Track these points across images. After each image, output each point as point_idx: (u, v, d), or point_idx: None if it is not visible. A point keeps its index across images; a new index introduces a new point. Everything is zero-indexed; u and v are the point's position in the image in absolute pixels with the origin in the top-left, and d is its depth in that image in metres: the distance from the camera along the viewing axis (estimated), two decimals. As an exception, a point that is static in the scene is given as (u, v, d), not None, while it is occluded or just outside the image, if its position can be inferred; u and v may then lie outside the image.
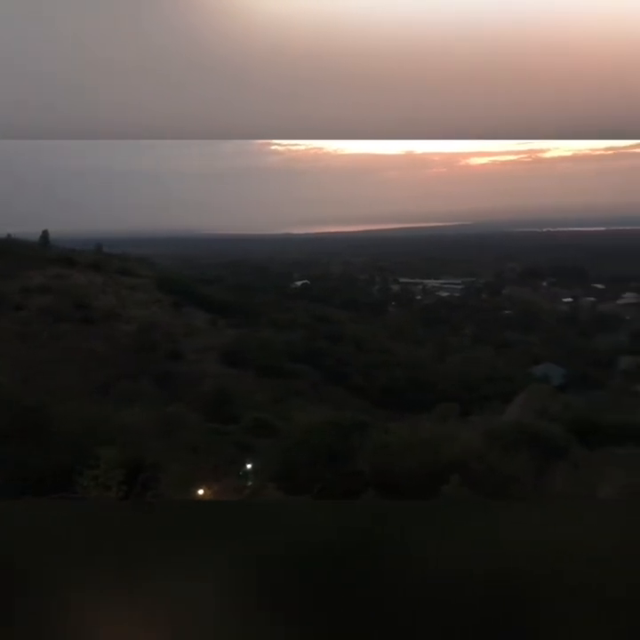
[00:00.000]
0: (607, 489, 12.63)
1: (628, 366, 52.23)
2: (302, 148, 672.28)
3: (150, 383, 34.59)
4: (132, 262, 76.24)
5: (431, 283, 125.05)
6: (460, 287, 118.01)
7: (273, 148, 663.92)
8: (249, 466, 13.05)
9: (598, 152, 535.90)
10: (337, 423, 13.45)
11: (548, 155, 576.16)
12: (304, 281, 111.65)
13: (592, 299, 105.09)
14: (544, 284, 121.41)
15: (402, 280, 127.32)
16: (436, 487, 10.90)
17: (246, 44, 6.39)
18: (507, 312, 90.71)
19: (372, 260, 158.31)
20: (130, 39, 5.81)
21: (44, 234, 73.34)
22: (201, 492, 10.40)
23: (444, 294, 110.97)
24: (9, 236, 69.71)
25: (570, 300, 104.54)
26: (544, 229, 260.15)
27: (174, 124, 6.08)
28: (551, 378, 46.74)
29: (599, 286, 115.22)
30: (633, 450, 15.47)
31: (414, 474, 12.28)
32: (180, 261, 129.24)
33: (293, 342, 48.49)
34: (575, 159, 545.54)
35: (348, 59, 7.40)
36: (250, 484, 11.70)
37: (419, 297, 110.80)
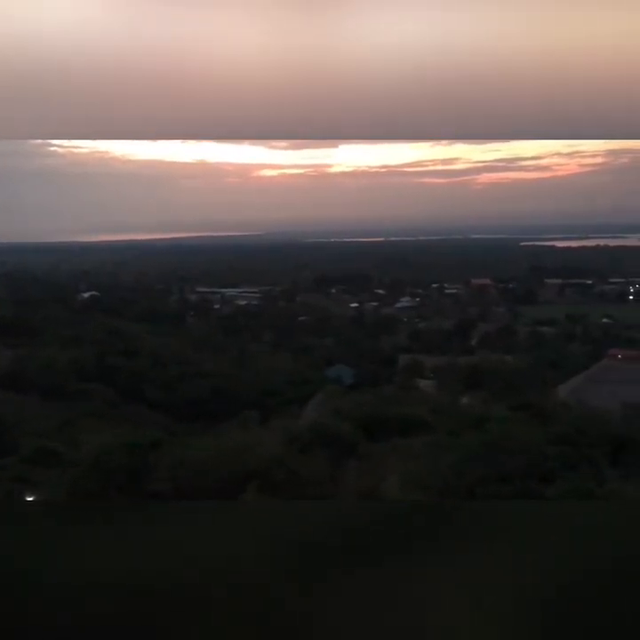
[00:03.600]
0: (392, 478, 13.82)
1: (406, 363, 58.08)
2: (86, 150, 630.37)
3: None
4: None
5: (230, 292, 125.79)
6: (257, 296, 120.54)
7: (52, 148, 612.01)
8: (30, 499, 11.72)
9: (374, 169, 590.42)
10: (131, 443, 12.73)
11: (332, 170, 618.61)
12: (92, 292, 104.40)
13: (375, 303, 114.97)
14: (334, 290, 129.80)
15: (200, 289, 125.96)
16: (238, 497, 10.89)
17: (35, 45, 5.91)
18: (302, 318, 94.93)
19: (168, 269, 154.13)
20: None
21: None
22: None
23: (243, 303, 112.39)
24: None
25: (356, 304, 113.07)
26: (332, 240, 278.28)
27: None
28: (343, 378, 49.98)
29: (381, 292, 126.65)
30: (413, 439, 17.15)
31: (216, 486, 12.14)
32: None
33: (83, 359, 45.00)
34: (355, 175, 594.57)
35: (126, 62, 7.05)
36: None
37: (217, 306, 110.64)
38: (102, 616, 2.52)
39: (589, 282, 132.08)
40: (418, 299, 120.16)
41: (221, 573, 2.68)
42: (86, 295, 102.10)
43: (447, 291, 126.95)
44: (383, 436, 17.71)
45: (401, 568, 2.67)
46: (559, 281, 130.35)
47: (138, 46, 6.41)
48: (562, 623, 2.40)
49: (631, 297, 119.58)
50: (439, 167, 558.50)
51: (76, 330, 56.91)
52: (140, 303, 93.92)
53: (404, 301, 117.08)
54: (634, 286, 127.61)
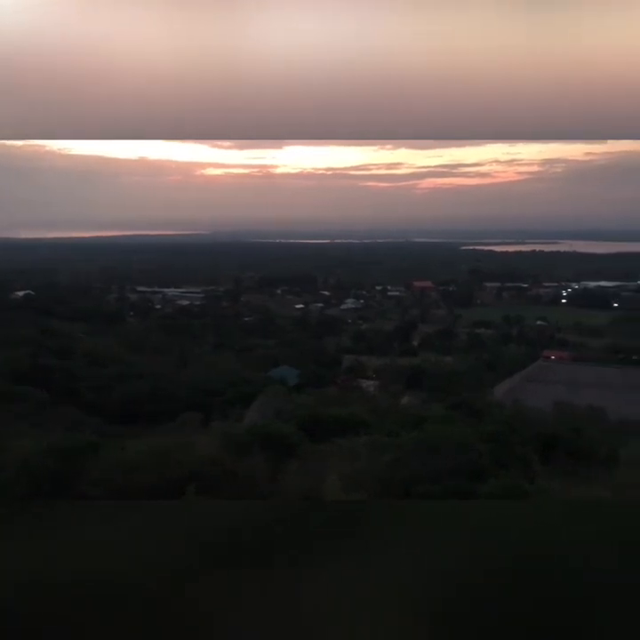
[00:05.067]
0: (332, 478, 13.88)
1: (350, 364, 58.68)
2: (19, 143, 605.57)
3: None
4: None
5: (171, 291, 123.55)
6: (200, 296, 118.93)
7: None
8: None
9: (320, 171, 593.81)
10: (62, 447, 12.27)
11: (277, 171, 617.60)
12: (27, 291, 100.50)
13: (320, 304, 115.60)
14: (279, 291, 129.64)
15: (140, 289, 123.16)
16: (175, 499, 10.67)
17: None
18: (246, 319, 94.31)
19: (107, 267, 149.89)
20: None
21: None
22: None
23: (185, 303, 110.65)
24: None
25: (301, 306, 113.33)
26: (277, 240, 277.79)
27: None
28: (287, 378, 49.91)
29: (325, 293, 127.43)
30: (352, 439, 17.28)
31: (151, 489, 11.86)
32: None
33: (14, 360, 43.11)
34: (301, 176, 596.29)
35: (58, 60, 6.81)
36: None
37: (158, 306, 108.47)
38: (18, 615, 2.43)
39: (525, 285, 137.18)
40: (362, 300, 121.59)
41: (123, 574, 2.62)
42: (21, 294, 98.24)
43: (390, 293, 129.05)
44: (324, 436, 17.79)
45: (306, 566, 2.67)
46: (497, 284, 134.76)
47: (68, 45, 6.24)
48: (469, 619, 2.45)
49: (564, 300, 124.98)
50: (383, 171, 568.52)
51: (8, 330, 54.52)
52: (77, 302, 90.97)
53: (349, 303, 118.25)
54: (566, 290, 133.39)
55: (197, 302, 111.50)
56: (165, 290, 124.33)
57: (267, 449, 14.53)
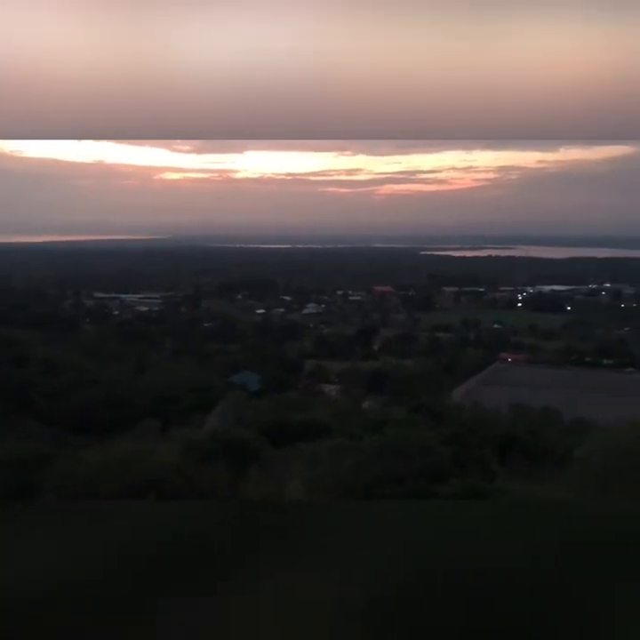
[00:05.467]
0: (295, 483, 13.86)
1: (312, 369, 58.74)
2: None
3: None
4: None
5: (129, 297, 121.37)
6: (159, 301, 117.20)
7: None
8: None
9: (280, 176, 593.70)
10: (12, 459, 11.88)
11: (238, 176, 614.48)
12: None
13: (281, 309, 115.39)
14: (239, 296, 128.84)
15: (97, 295, 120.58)
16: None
17: None
18: (206, 324, 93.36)
19: (64, 273, 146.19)
20: None
21: None
22: None
23: (144, 309, 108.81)
24: None
25: (263, 311, 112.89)
26: (237, 245, 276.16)
27: None
28: (248, 384, 49.61)
29: (287, 298, 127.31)
30: (315, 443, 17.30)
31: (111, 499, 11.60)
32: None
33: (-36, 369, 41.57)
34: (261, 181, 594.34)
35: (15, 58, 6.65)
36: None
37: (116, 312, 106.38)
38: None
39: (482, 289, 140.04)
40: (323, 305, 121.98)
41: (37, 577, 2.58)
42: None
43: (351, 298, 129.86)
44: (287, 441, 17.76)
45: (245, 569, 2.69)
46: (455, 289, 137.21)
47: (9, 41, 6.14)
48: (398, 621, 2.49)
49: (520, 304, 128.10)
50: (343, 177, 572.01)
51: (-43, 337, 52.51)
52: (32, 308, 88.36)
53: (310, 308, 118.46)
54: (522, 294, 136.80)
55: (156, 308, 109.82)
56: (123, 296, 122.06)
57: (228, 455, 14.41)
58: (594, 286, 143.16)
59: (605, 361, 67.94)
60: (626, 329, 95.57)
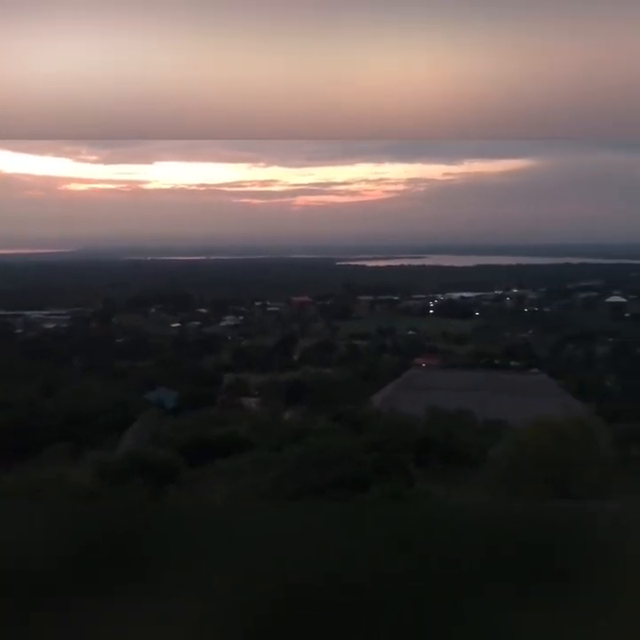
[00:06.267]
0: (215, 500, 13.52)
1: (231, 382, 57.90)
2: None
3: None
4: None
5: (35, 314, 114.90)
6: (67, 317, 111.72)
7: None
8: None
9: (193, 187, 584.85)
10: None
11: (148, 186, 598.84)
12: None
13: (197, 322, 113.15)
14: (153, 310, 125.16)
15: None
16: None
17: None
18: (119, 340, 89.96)
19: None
20: None
21: None
22: None
23: (50, 326, 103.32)
24: None
25: (178, 324, 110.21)
26: (149, 258, 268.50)
27: None
28: (165, 401, 48.14)
29: (203, 311, 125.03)
30: (235, 459, 17.01)
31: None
32: None
33: None
34: (173, 192, 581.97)
35: None
36: None
37: (20, 330, 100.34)
38: None
39: (396, 298, 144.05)
40: (241, 317, 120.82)
41: None
42: None
43: (269, 308, 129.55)
44: (206, 458, 17.36)
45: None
46: (370, 297, 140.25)
47: None
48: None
49: (431, 311, 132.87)
50: (257, 188, 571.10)
51: None
52: None
53: (228, 320, 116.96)
54: (433, 301, 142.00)
55: (64, 325, 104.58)
56: (27, 312, 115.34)
57: (145, 476, 13.87)
58: (499, 292, 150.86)
59: (512, 363, 71.72)
60: (530, 332, 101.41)
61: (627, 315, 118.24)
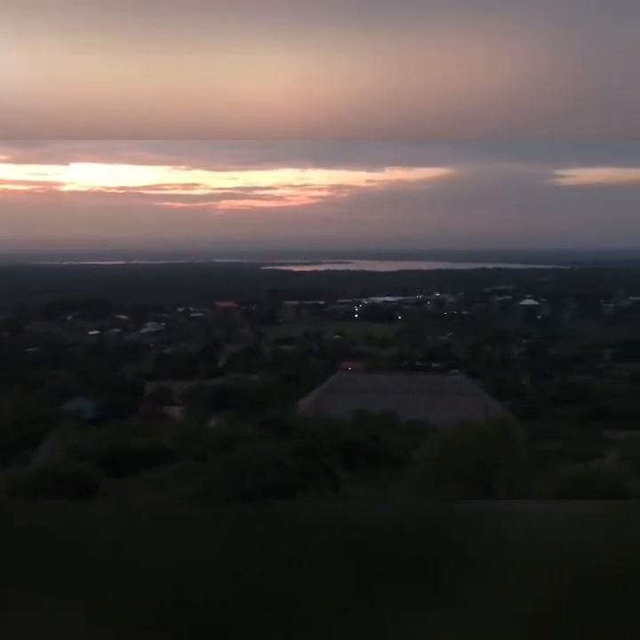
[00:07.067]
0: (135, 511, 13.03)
1: (153, 390, 56.23)
2: None
3: None
4: None
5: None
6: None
7: None
8: None
9: (111, 190, 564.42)
10: None
11: (63, 188, 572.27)
12: None
13: (117, 330, 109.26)
14: (69, 317, 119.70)
15: None
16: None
17: None
18: (32, 349, 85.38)
19: None
20: None
21: None
22: None
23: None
24: None
25: (96, 332, 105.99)
26: (65, 263, 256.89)
27: None
28: (83, 412, 46.16)
29: (123, 317, 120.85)
30: (159, 469, 16.48)
31: None
32: None
33: None
34: (90, 195, 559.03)
35: None
36: None
37: None
38: None
39: (322, 302, 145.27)
40: (163, 323, 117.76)
41: None
42: None
43: (193, 314, 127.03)
44: (128, 470, 16.74)
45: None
46: (296, 302, 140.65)
47: None
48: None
49: (356, 315, 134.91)
50: (179, 191, 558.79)
51: None
52: None
53: (149, 326, 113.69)
54: (358, 305, 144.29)
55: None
56: None
57: (60, 491, 13.16)
58: (420, 296, 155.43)
59: (434, 364, 73.97)
60: (449, 334, 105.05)
61: (539, 317, 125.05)
